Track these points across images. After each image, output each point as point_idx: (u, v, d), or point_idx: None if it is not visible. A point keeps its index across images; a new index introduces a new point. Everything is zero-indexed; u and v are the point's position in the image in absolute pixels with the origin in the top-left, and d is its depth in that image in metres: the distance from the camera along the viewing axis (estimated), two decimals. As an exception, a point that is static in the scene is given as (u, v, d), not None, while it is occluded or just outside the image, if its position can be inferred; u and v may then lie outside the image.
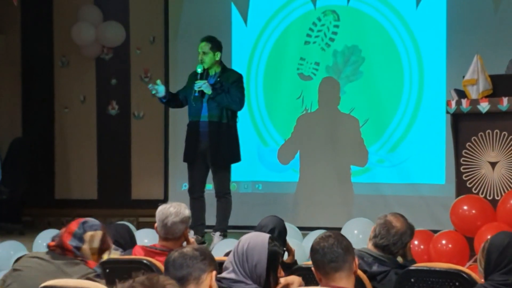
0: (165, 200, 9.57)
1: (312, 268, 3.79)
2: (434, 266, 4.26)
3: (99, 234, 4.46)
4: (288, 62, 9.53)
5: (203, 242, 7.66)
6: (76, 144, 10.94)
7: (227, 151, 7.86)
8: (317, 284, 3.75)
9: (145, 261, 4.67)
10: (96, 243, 4.44)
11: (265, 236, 3.81)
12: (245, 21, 9.53)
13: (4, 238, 8.21)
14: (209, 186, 8.27)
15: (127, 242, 5.47)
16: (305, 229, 7.84)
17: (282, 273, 3.90)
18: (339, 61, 9.30)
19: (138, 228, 8.40)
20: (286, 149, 9.55)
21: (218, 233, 7.80)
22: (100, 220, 9.10)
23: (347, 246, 3.75)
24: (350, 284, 3.69)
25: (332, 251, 3.70)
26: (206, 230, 8.00)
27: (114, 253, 5.21)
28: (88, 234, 4.39)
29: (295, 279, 3.99)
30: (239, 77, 7.91)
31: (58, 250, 4.35)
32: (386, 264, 4.50)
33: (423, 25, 8.97)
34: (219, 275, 3.69)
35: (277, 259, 3.81)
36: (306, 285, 3.98)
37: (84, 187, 10.89)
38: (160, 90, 7.81)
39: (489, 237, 4.01)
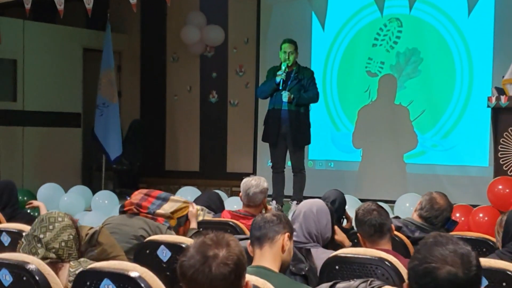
0: (253, 173, 9.72)
1: (358, 235, 3.87)
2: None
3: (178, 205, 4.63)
4: (358, 61, 9.50)
5: (281, 210, 7.75)
6: (183, 125, 11.09)
7: (303, 135, 7.89)
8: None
9: (231, 223, 4.78)
10: (175, 207, 4.63)
11: (321, 201, 3.92)
12: (323, 27, 9.49)
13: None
14: (289, 163, 8.27)
15: (218, 207, 5.55)
16: (365, 201, 7.85)
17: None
18: (401, 61, 9.22)
19: (231, 196, 8.58)
20: (356, 136, 9.53)
21: (295, 202, 7.85)
22: (201, 188, 9.40)
23: (387, 217, 3.81)
24: (390, 246, 3.76)
25: (377, 223, 3.74)
26: (285, 200, 8.05)
27: (207, 216, 5.39)
28: (173, 198, 4.61)
29: (345, 240, 4.12)
30: (313, 73, 7.94)
31: (133, 210, 4.45)
32: (427, 232, 4.52)
33: (473, 31, 8.83)
34: None
35: (334, 217, 3.92)
36: (356, 246, 4.05)
37: (189, 161, 11.04)
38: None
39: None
